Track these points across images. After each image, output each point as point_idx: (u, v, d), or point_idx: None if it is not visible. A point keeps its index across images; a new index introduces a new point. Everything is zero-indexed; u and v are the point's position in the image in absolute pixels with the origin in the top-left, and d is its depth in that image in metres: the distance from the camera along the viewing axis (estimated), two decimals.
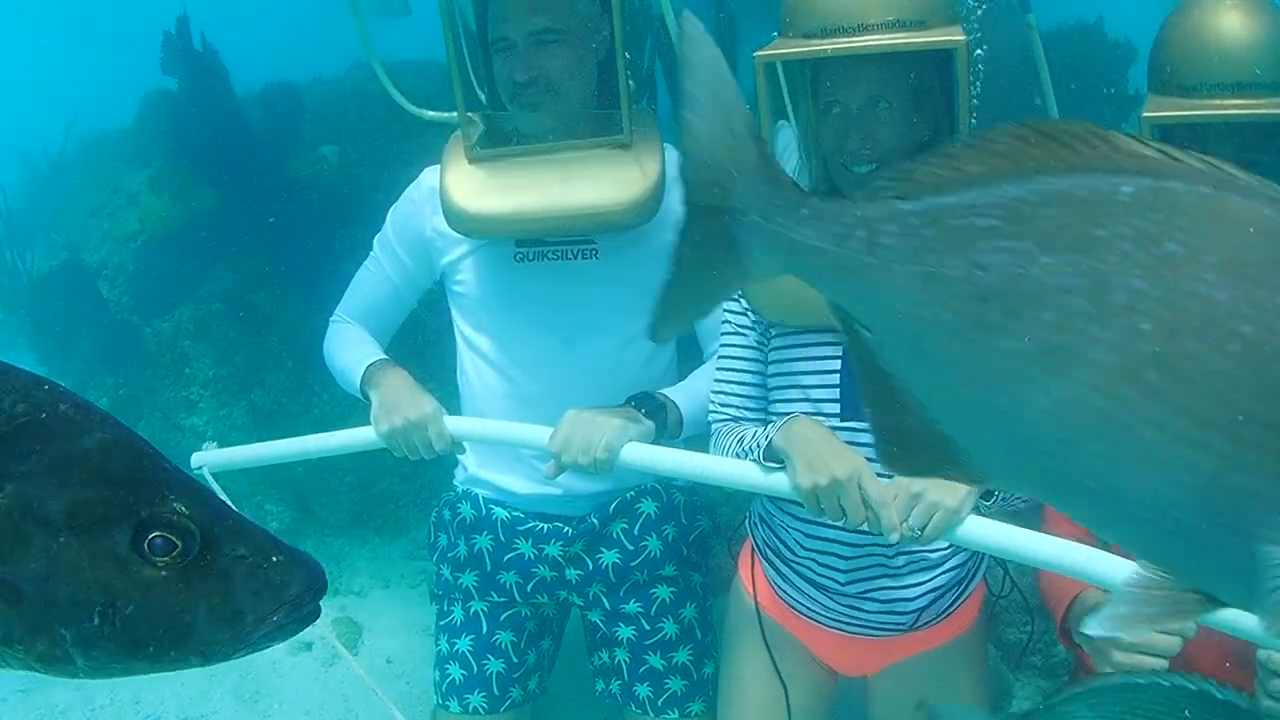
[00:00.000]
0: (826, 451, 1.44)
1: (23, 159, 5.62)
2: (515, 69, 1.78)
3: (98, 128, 5.04)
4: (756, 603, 1.80)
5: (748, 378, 1.71)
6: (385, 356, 1.99)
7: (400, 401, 1.80)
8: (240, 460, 2.00)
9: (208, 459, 1.98)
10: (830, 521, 1.46)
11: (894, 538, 1.41)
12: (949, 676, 1.76)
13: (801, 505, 1.61)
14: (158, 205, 3.70)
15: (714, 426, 1.74)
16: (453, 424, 1.80)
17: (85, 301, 3.71)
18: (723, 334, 1.77)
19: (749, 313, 1.70)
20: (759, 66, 1.51)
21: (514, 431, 1.78)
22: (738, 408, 1.71)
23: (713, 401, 1.75)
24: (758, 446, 1.54)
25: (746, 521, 1.88)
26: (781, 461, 1.49)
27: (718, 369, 1.76)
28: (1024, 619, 2.70)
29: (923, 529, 1.39)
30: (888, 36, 1.45)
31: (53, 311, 3.80)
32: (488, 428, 1.82)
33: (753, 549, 1.84)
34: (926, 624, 1.69)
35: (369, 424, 1.85)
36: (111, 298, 3.78)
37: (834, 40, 1.46)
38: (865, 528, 1.44)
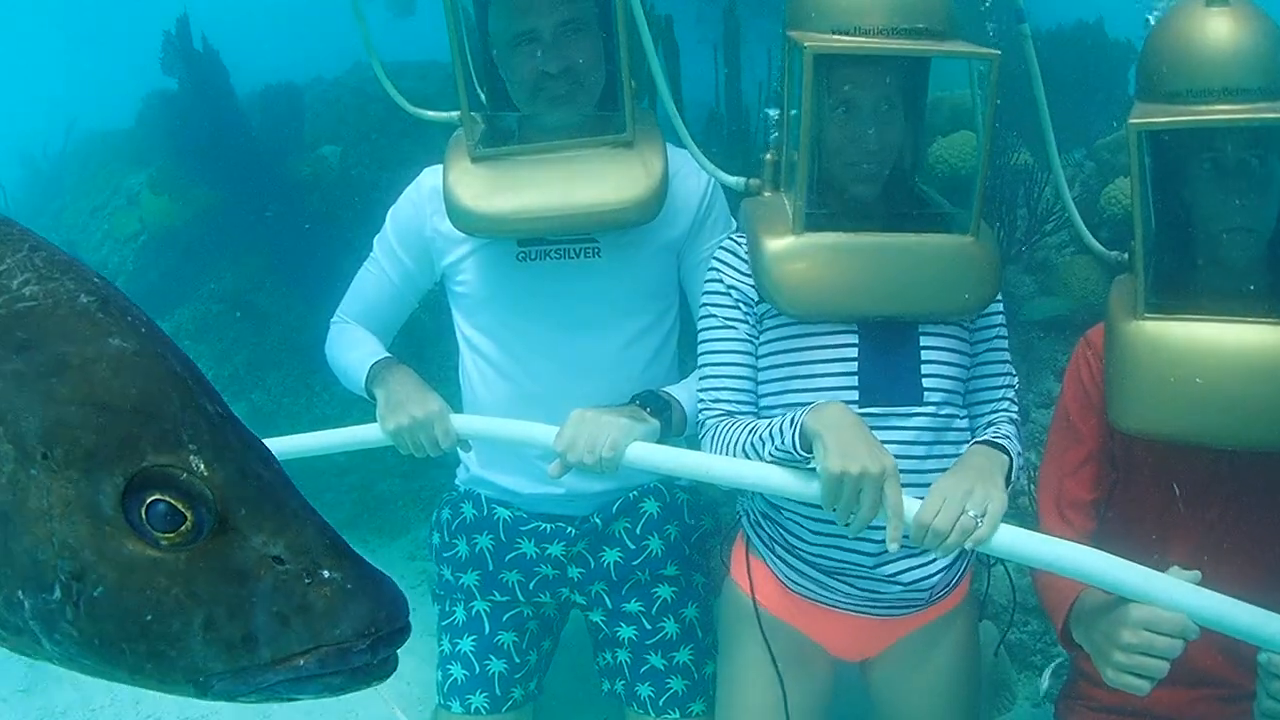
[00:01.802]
0: (862, 444, 1.42)
1: (23, 159, 5.62)
2: (546, 60, 1.75)
3: (98, 128, 5.04)
4: (755, 601, 1.79)
5: (740, 371, 1.70)
6: (389, 355, 1.99)
7: (406, 399, 1.80)
8: None
9: None
10: (833, 515, 1.45)
11: (893, 548, 1.42)
12: (949, 647, 1.78)
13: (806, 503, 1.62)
14: (158, 205, 3.70)
15: (706, 423, 1.71)
16: (458, 422, 1.80)
17: None
18: (706, 328, 1.74)
19: (740, 305, 1.69)
20: (808, 60, 1.48)
21: (519, 430, 1.77)
22: (731, 403, 1.70)
23: (702, 399, 1.73)
24: (780, 434, 1.51)
25: (743, 520, 1.87)
26: (808, 450, 1.46)
27: (706, 364, 1.73)
28: (1023, 619, 2.70)
29: (982, 516, 1.40)
30: (921, 43, 1.49)
31: None
32: (493, 426, 1.82)
33: (746, 548, 1.83)
34: (938, 598, 1.71)
35: (374, 422, 1.85)
36: None
37: (883, 40, 1.48)
38: (860, 532, 1.44)
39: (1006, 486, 1.53)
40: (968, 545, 1.39)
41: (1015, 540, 1.41)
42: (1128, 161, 1.54)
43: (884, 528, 1.62)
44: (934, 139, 3.15)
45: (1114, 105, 3.70)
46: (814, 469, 1.46)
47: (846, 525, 1.43)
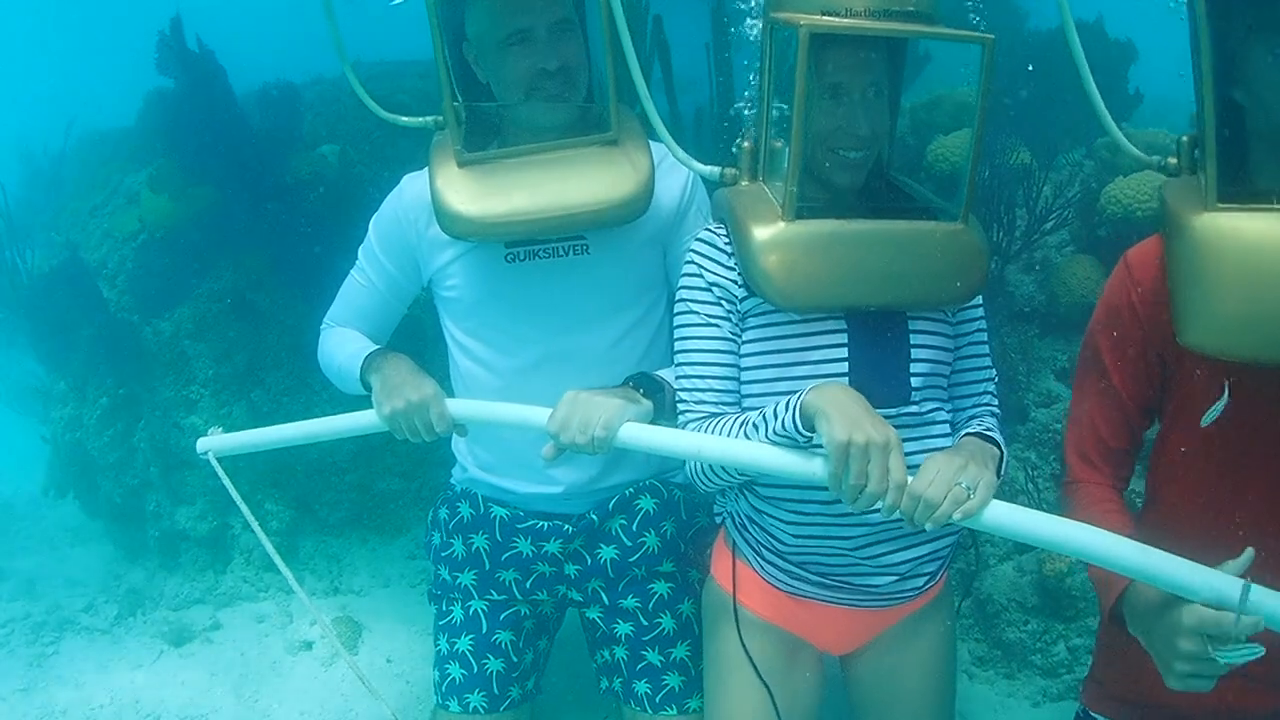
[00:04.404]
0: (865, 416, 1.40)
1: (24, 158, 5.62)
2: (544, 58, 1.75)
3: (98, 127, 5.04)
4: (735, 603, 1.78)
5: (724, 370, 1.67)
6: (383, 347, 1.99)
7: (402, 384, 1.80)
8: (245, 444, 1.99)
9: (213, 444, 1.98)
10: (812, 518, 1.43)
11: (886, 515, 1.41)
12: (930, 636, 1.80)
13: (794, 488, 1.61)
14: (158, 205, 3.69)
15: (689, 426, 1.68)
16: (453, 406, 1.80)
17: (85, 301, 3.70)
18: (685, 324, 1.70)
19: (722, 302, 1.66)
20: (803, 39, 1.43)
21: (513, 412, 1.76)
22: (714, 404, 1.67)
23: (683, 399, 1.70)
24: (776, 416, 1.49)
25: (726, 522, 1.85)
26: (809, 430, 1.44)
27: (686, 363, 1.70)
28: (1022, 619, 2.71)
29: (974, 489, 1.38)
30: (915, 26, 1.47)
31: (53, 311, 3.79)
32: (487, 409, 1.81)
33: (733, 551, 1.82)
34: (927, 588, 1.72)
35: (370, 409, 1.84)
36: (111, 297, 3.78)
37: (876, 22, 1.45)
38: (870, 507, 1.41)
39: (996, 478, 1.51)
40: (956, 517, 1.37)
41: (1005, 516, 1.39)
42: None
43: (868, 524, 1.61)
44: (935, 138, 3.15)
45: (1114, 105, 3.70)
46: (814, 449, 1.45)
47: (854, 501, 1.40)
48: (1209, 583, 1.27)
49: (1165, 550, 1.30)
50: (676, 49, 3.27)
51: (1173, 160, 1.47)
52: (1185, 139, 1.44)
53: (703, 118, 3.45)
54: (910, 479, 1.40)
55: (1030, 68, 3.24)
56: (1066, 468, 1.64)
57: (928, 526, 1.38)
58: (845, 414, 1.39)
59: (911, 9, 1.47)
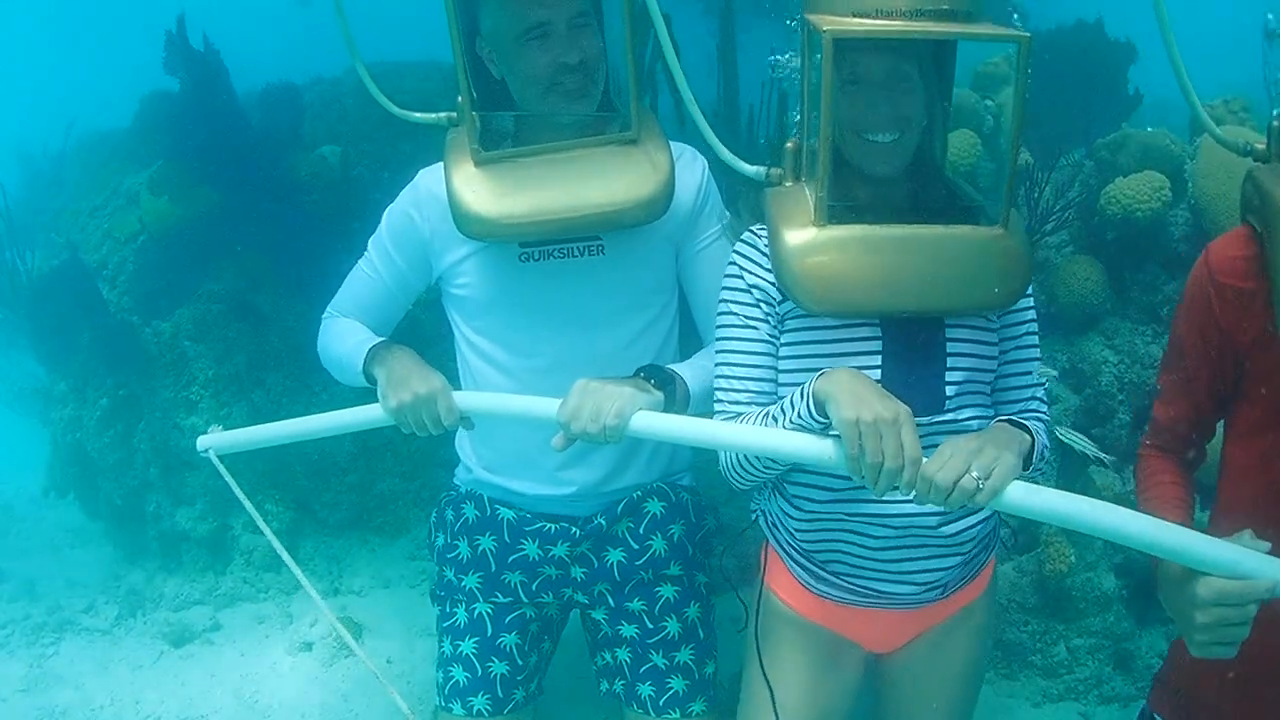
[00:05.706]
0: (873, 394, 1.39)
1: (23, 159, 5.62)
2: (564, 52, 1.73)
3: (98, 128, 5.03)
4: (761, 600, 1.79)
5: (759, 373, 1.66)
6: (386, 339, 1.97)
7: (408, 377, 1.78)
8: (246, 442, 1.97)
9: (213, 442, 1.96)
10: (859, 477, 1.41)
11: (909, 494, 1.39)
12: (966, 635, 1.79)
13: (805, 485, 1.62)
14: (158, 205, 3.69)
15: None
16: (460, 398, 1.78)
17: (85, 301, 3.70)
18: (725, 325, 1.69)
19: (761, 304, 1.64)
20: (826, 45, 1.42)
21: (523, 404, 1.74)
22: (748, 404, 1.66)
23: (719, 399, 1.70)
24: (792, 405, 1.49)
25: (761, 522, 1.84)
26: (824, 416, 1.43)
27: (723, 364, 1.70)
28: (1022, 619, 2.71)
29: (987, 477, 1.36)
30: (945, 26, 1.44)
31: (53, 311, 3.79)
32: (496, 401, 1.79)
33: (772, 549, 1.81)
34: (954, 590, 1.72)
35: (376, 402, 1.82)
36: (111, 298, 3.78)
37: (907, 23, 1.43)
38: (893, 485, 1.39)
39: (1025, 468, 1.48)
40: (975, 503, 1.36)
41: (1022, 497, 1.37)
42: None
43: (888, 526, 1.61)
44: None
45: (1114, 105, 3.70)
46: (829, 435, 1.44)
47: (875, 484, 1.39)
48: (1226, 555, 1.28)
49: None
50: (692, 51, 3.28)
51: (1260, 145, 1.40)
52: (1277, 122, 1.38)
53: (717, 118, 3.45)
54: (926, 460, 1.39)
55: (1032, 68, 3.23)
56: (1144, 436, 1.64)
57: (945, 508, 1.38)
58: (852, 394, 1.39)
59: (946, 8, 1.43)
